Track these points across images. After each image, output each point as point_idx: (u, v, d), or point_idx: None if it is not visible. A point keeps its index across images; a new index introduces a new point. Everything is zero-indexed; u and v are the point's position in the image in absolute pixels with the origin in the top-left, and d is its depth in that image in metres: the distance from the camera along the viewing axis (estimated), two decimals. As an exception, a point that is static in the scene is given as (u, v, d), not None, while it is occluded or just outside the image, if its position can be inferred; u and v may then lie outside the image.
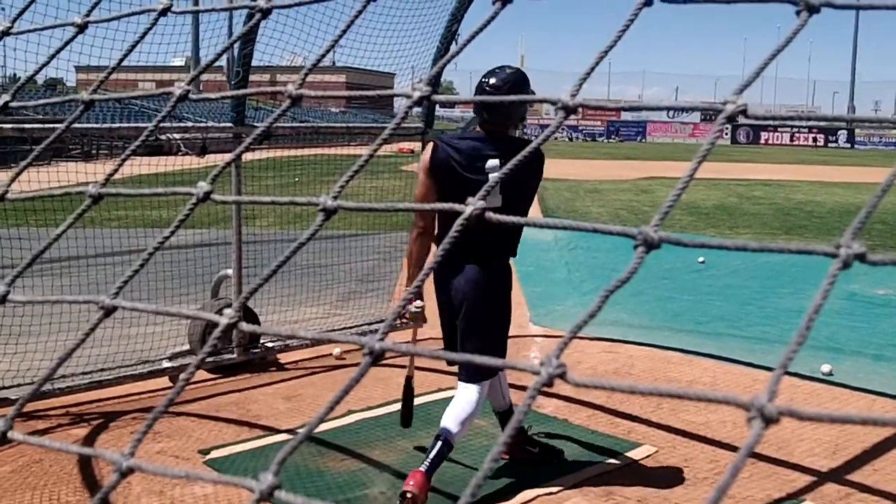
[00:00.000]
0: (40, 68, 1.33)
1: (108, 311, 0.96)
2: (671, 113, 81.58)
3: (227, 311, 0.91)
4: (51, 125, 6.07)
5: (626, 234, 0.84)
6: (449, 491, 4.79)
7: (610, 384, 0.74)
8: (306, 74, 1.03)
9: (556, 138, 71.72)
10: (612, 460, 5.27)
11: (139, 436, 0.84)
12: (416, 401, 6.18)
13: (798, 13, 0.90)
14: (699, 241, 0.82)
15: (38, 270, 8.52)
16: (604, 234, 0.87)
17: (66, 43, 1.20)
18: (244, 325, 0.92)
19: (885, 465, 5.24)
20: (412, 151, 9.09)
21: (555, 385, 0.76)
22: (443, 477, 4.98)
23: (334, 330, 7.70)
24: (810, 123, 76.67)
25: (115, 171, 1.06)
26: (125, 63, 1.26)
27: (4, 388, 5.76)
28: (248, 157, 8.19)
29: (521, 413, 0.76)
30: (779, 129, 76.87)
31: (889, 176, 0.78)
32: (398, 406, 5.95)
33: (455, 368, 6.46)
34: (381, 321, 6.92)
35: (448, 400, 6.23)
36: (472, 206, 0.89)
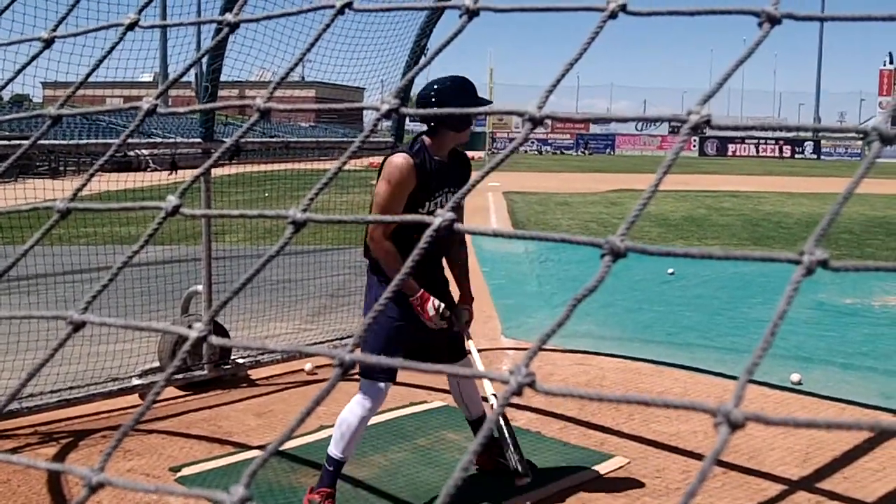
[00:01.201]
0: (6, 84, 1.32)
1: (77, 327, 0.96)
2: (639, 125, 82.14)
3: (197, 324, 0.91)
4: (17, 141, 6.02)
5: (593, 243, 0.85)
6: (421, 502, 4.79)
7: (578, 392, 0.75)
8: (275, 88, 1.03)
9: (525, 151, 71.92)
10: (584, 472, 5.28)
11: (109, 450, 0.84)
12: (388, 415, 6.18)
13: (760, 24, 0.92)
14: (664, 249, 0.83)
15: (4, 288, 8.44)
16: (571, 243, 0.88)
17: (33, 58, 1.20)
18: (214, 339, 0.92)
19: (855, 473, 5.28)
20: (382, 166, 9.07)
21: (525, 395, 0.77)
22: (416, 490, 4.98)
23: (306, 345, 7.66)
24: (777, 135, 77.39)
25: (84, 185, 1.05)
26: (93, 79, 1.25)
27: (-29, 407, 5.69)
28: (217, 172, 8.16)
29: (491, 422, 0.76)
30: (746, 141, 77.60)
31: (850, 184, 0.79)
32: (370, 421, 5.94)
33: (429, 382, 6.46)
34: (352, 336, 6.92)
35: (420, 414, 6.24)
36: (440, 217, 0.89)
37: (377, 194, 4.58)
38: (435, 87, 4.72)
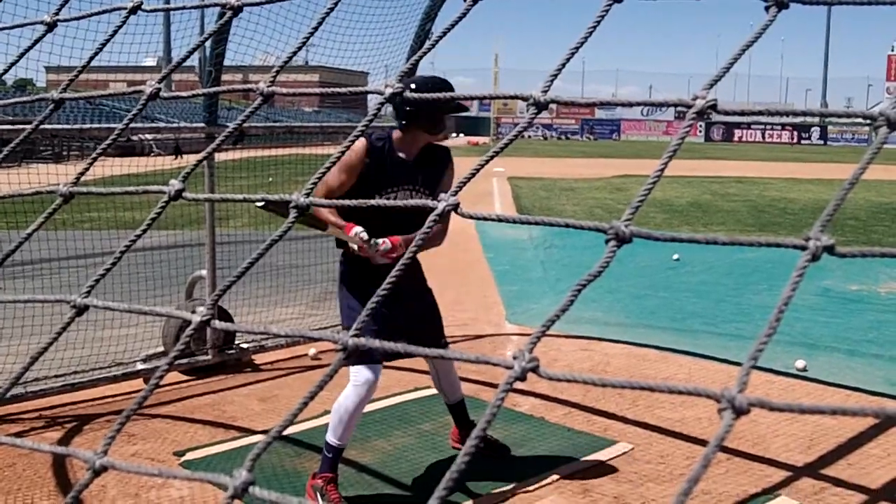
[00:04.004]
0: (9, 67, 1.32)
1: (80, 310, 0.96)
2: (645, 111, 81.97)
3: (200, 308, 0.91)
4: (21, 126, 6.02)
5: (598, 228, 0.84)
6: (425, 488, 4.80)
7: (581, 377, 0.75)
8: (277, 72, 1.03)
9: (530, 137, 71.84)
10: (588, 457, 5.28)
11: (112, 433, 0.84)
12: (393, 400, 6.19)
13: (767, 9, 0.91)
14: (669, 235, 0.83)
15: (9, 273, 8.46)
16: (576, 229, 0.87)
17: (36, 41, 1.20)
18: (217, 323, 0.92)
19: (859, 460, 5.28)
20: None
21: (529, 380, 0.76)
22: (420, 475, 4.99)
23: (309, 330, 7.67)
24: (783, 120, 77.19)
25: (86, 169, 1.05)
26: (96, 63, 1.25)
27: (-23, 391, 5.70)
28: (221, 157, 8.16)
29: (494, 406, 0.76)
30: (752, 127, 77.47)
31: (857, 169, 0.79)
32: (374, 406, 5.94)
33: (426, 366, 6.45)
34: (357, 321, 6.87)
35: (424, 399, 6.25)
36: (444, 202, 0.89)
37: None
38: (412, 85, 4.58)
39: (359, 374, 4.60)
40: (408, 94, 1.00)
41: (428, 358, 5.03)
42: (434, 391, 6.36)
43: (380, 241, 4.42)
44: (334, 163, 1.00)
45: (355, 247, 4.48)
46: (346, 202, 1.04)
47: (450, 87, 4.74)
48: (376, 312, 4.10)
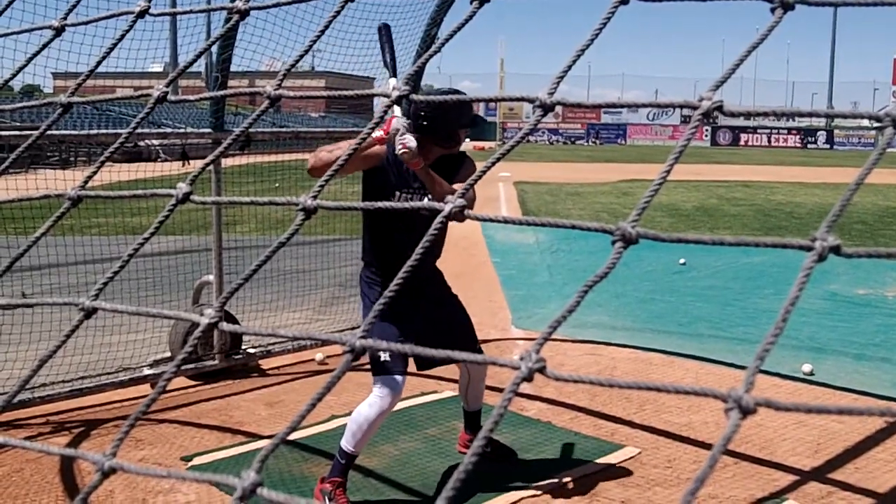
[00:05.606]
0: (17, 72, 1.33)
1: (89, 313, 0.96)
2: (651, 115, 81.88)
3: (208, 311, 0.91)
4: (28, 132, 6.05)
5: (604, 230, 0.84)
6: (431, 492, 4.80)
7: (588, 378, 0.75)
8: (284, 75, 1.03)
9: (536, 141, 71.83)
10: (595, 462, 5.27)
11: (121, 435, 0.84)
12: (399, 405, 6.18)
13: (773, 10, 0.91)
14: (676, 236, 0.83)
15: (17, 277, 8.48)
16: (582, 230, 0.87)
17: (44, 46, 1.20)
18: (225, 325, 0.92)
19: (867, 464, 5.27)
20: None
21: (536, 385, 0.77)
22: (426, 480, 4.99)
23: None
24: (790, 124, 77.07)
25: (95, 173, 1.06)
26: (104, 69, 1.26)
27: (-16, 397, 5.72)
28: (227, 162, 8.17)
29: (501, 408, 0.76)
30: (758, 131, 77.25)
31: (862, 170, 0.79)
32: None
33: (439, 372, 6.46)
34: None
35: (431, 403, 6.25)
36: (451, 203, 0.89)
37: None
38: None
39: (381, 385, 4.60)
40: (414, 96, 1.01)
41: (461, 363, 5.04)
42: (441, 395, 6.38)
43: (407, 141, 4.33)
44: (342, 166, 1.00)
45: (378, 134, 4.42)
46: (356, 205, 1.04)
47: (467, 104, 4.71)
48: (394, 319, 4.04)
